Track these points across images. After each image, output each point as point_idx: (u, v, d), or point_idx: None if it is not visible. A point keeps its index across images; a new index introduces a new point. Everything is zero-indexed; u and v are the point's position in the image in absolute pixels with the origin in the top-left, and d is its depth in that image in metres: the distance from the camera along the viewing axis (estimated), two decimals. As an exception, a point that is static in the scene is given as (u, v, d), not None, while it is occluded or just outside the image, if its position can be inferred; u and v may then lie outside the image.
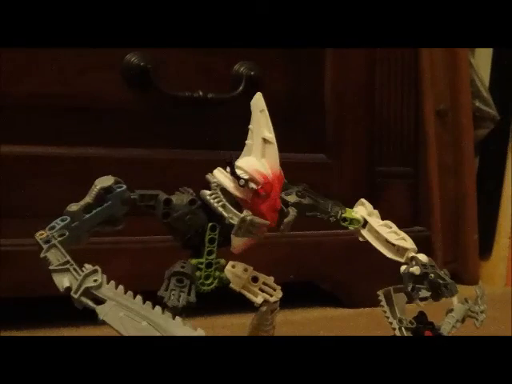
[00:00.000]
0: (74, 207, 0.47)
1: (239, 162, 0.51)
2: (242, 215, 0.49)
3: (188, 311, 0.48)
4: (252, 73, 0.98)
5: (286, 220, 0.53)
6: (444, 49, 1.28)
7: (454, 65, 1.30)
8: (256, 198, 0.50)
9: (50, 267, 0.44)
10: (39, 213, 0.86)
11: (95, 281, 0.43)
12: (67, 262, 0.44)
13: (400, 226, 1.14)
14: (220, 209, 0.50)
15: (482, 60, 1.38)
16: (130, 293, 0.44)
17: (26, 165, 0.85)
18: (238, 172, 0.50)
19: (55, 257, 0.44)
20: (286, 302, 0.57)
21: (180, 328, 0.42)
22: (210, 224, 0.51)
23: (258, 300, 0.52)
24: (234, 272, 0.52)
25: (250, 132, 0.52)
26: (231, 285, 0.52)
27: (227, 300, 0.52)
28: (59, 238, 0.46)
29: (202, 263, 0.50)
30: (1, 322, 0.78)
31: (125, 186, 0.49)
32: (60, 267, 0.44)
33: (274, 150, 0.51)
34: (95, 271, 0.44)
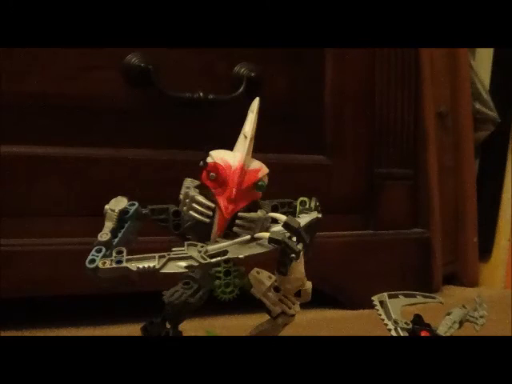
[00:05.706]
0: (104, 236, 0.49)
1: (212, 151, 0.52)
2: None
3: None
4: (252, 74, 0.98)
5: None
6: (444, 50, 1.28)
7: (455, 67, 1.30)
8: (214, 185, 0.51)
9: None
10: (39, 213, 0.86)
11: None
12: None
13: (400, 228, 1.14)
14: (181, 196, 0.51)
15: (483, 62, 1.38)
16: None
17: (26, 165, 0.85)
18: (208, 159, 0.52)
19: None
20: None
21: None
22: None
23: (276, 310, 0.52)
24: (259, 278, 0.52)
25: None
26: (253, 290, 0.52)
27: (226, 301, 0.52)
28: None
29: (219, 271, 0.50)
30: (1, 322, 0.78)
31: (137, 204, 0.51)
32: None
33: (247, 144, 0.52)
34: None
